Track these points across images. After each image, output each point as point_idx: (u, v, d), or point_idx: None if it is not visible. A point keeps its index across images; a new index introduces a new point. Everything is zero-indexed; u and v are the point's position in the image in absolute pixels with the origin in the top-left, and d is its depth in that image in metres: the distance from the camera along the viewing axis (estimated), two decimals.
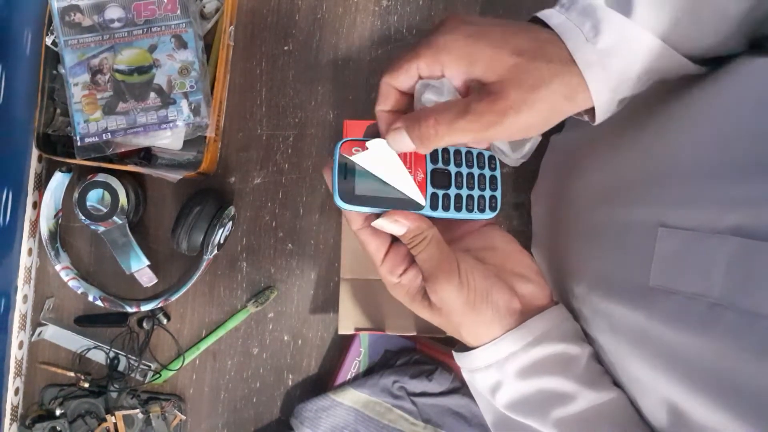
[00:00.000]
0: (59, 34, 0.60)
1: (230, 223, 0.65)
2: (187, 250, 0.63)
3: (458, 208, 0.41)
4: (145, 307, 0.65)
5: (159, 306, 0.66)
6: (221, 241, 0.65)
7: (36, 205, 0.67)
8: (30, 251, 0.67)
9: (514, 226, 0.69)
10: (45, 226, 0.65)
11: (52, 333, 0.68)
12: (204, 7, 0.66)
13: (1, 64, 0.59)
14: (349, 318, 0.62)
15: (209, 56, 0.66)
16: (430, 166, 0.40)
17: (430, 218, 0.40)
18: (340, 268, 0.67)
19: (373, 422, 0.63)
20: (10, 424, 0.66)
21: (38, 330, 0.67)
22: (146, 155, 0.66)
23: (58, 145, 0.65)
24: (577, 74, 0.35)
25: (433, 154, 0.40)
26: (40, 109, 0.63)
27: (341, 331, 0.61)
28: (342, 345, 0.68)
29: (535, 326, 0.40)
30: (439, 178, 0.40)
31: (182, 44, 0.62)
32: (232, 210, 0.65)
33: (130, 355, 0.68)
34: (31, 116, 0.63)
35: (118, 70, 0.61)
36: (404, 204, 0.39)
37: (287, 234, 0.69)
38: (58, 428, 0.65)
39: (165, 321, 0.68)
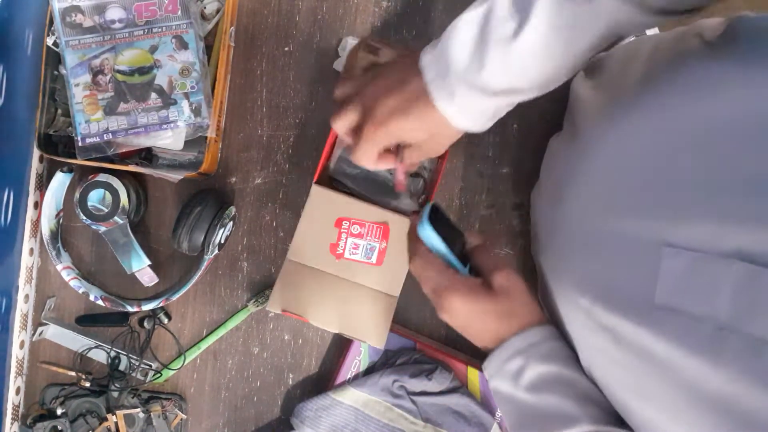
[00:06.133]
0: (60, 35, 0.61)
1: (231, 223, 0.65)
2: (188, 250, 0.64)
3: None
4: (146, 307, 0.66)
5: (160, 305, 0.66)
6: (222, 241, 0.65)
7: (37, 205, 0.68)
8: (31, 251, 0.67)
9: (513, 227, 0.69)
10: (46, 226, 0.66)
11: (53, 332, 0.68)
12: (205, 8, 0.66)
13: (3, 65, 0.60)
14: (281, 298, 0.59)
15: (210, 57, 0.66)
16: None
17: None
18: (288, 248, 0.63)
19: (373, 421, 0.63)
20: (12, 424, 0.66)
21: (39, 329, 0.68)
22: (147, 155, 0.66)
23: (59, 146, 0.65)
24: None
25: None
26: (41, 109, 0.63)
27: (269, 308, 0.59)
28: (342, 344, 0.69)
29: (548, 328, 0.50)
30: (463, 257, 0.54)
31: (183, 45, 0.62)
32: (232, 210, 0.65)
33: (131, 355, 0.68)
34: (32, 116, 0.63)
35: (119, 71, 0.61)
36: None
37: (288, 234, 0.69)
38: (59, 427, 0.65)
39: (166, 320, 0.68)
